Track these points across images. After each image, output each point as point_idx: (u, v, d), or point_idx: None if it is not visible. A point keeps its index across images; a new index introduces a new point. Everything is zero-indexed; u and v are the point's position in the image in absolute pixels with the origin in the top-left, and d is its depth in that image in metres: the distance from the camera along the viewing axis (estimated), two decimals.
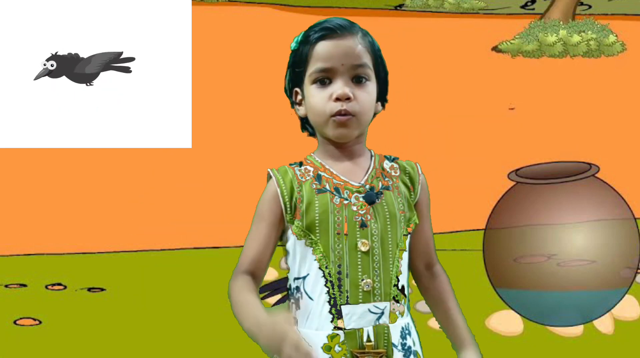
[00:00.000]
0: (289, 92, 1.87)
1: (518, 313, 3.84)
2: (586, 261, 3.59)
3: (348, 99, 1.75)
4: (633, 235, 3.66)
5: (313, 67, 1.78)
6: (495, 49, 7.64)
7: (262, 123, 6.20)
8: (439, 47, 7.30)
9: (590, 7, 8.62)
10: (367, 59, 1.79)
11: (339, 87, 1.76)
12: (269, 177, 1.81)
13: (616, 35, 7.59)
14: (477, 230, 3.95)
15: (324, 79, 1.78)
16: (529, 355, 3.82)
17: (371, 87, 1.80)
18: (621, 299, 3.72)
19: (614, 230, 3.65)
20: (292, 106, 1.87)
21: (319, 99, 1.78)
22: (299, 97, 1.83)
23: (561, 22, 7.81)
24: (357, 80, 1.78)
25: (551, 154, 4.21)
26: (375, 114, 1.86)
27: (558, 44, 7.51)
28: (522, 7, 8.79)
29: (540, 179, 3.71)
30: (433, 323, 3.85)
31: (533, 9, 8.70)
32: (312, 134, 1.87)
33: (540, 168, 3.78)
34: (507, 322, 3.94)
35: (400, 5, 8.82)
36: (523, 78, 7.16)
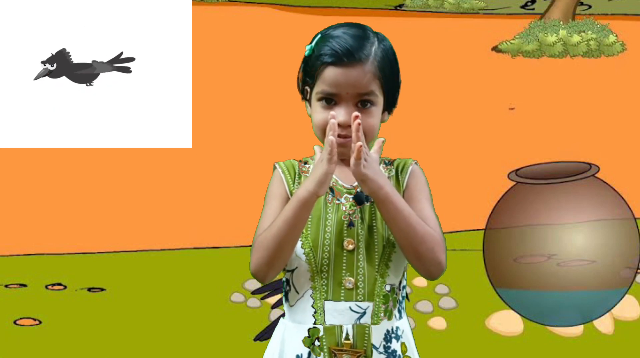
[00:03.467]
0: (301, 89, 1.89)
1: (518, 313, 3.85)
2: (586, 261, 3.60)
3: (349, 126, 1.76)
4: (633, 235, 3.66)
5: (319, 87, 1.80)
6: (495, 49, 7.64)
7: (263, 123, 6.20)
8: (439, 47, 7.30)
9: (590, 7, 8.62)
10: (374, 86, 1.79)
11: (341, 114, 1.77)
12: (274, 168, 1.86)
13: (616, 35, 7.59)
14: (477, 230, 3.95)
15: (329, 99, 1.80)
16: (529, 355, 3.82)
17: (375, 111, 1.81)
18: (621, 299, 3.73)
19: (614, 230, 3.66)
20: (304, 100, 1.89)
21: (321, 118, 1.80)
22: (309, 94, 1.86)
23: (561, 22, 7.81)
24: (362, 104, 1.79)
25: (551, 154, 4.21)
26: (381, 122, 1.87)
27: (558, 44, 7.51)
28: (522, 7, 8.79)
29: (540, 179, 3.71)
30: (433, 323, 3.88)
31: (533, 9, 8.70)
32: None
33: (540, 168, 3.78)
34: (507, 322, 3.94)
35: (400, 5, 8.82)
36: (523, 78, 7.16)
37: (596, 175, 3.69)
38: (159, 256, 5.09)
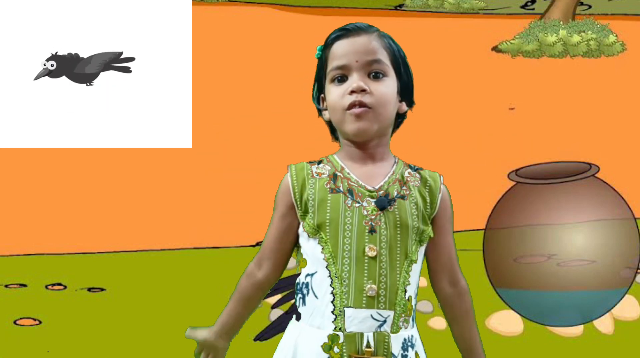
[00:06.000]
0: (317, 100, 1.90)
1: (518, 313, 3.84)
2: (586, 261, 3.59)
3: (363, 91, 1.77)
4: (633, 235, 3.66)
5: (330, 66, 1.82)
6: (495, 49, 7.63)
7: (263, 123, 6.20)
8: (439, 47, 7.29)
9: (590, 7, 8.61)
10: (382, 56, 1.81)
11: (354, 81, 1.78)
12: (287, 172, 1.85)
13: (616, 35, 7.58)
14: (477, 230, 3.95)
15: (341, 76, 1.81)
16: (529, 355, 3.82)
17: (389, 82, 1.82)
18: (621, 299, 3.72)
19: (614, 230, 3.65)
20: (320, 114, 1.89)
21: (335, 95, 1.81)
22: (325, 103, 1.86)
23: (561, 22, 7.80)
24: (374, 76, 1.80)
25: (551, 154, 4.21)
26: (400, 114, 1.87)
27: (558, 44, 7.51)
28: (522, 7, 8.78)
29: (540, 179, 3.71)
30: (433, 323, 3.87)
31: (533, 9, 8.70)
32: (338, 138, 1.90)
33: (540, 168, 3.78)
34: (507, 322, 3.94)
35: (400, 5, 8.81)
36: (523, 78, 7.16)
37: (596, 175, 3.69)
38: (159, 256, 5.08)
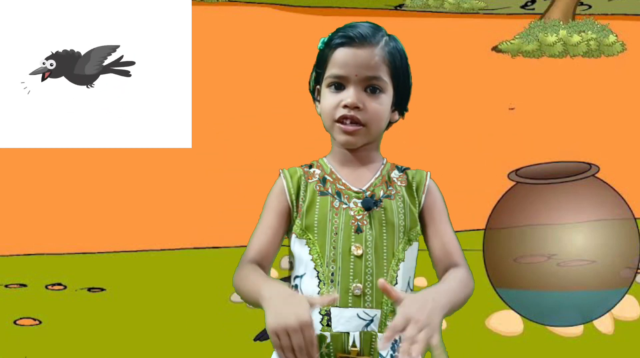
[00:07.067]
0: (312, 88, 1.90)
1: (518, 313, 3.84)
2: (586, 261, 3.59)
3: (356, 108, 1.77)
4: (633, 235, 3.66)
5: (329, 71, 1.82)
6: (495, 49, 7.64)
7: (263, 123, 6.20)
8: (439, 47, 7.29)
9: (590, 7, 8.62)
10: (382, 72, 1.80)
11: (349, 95, 1.79)
12: (279, 175, 1.85)
13: (616, 35, 7.59)
14: (477, 229, 3.95)
15: (339, 84, 1.80)
16: (529, 355, 3.82)
17: (384, 98, 1.81)
18: (621, 299, 3.72)
19: (614, 230, 3.65)
20: (314, 102, 1.90)
21: (329, 103, 1.81)
22: (319, 96, 1.86)
23: (561, 22, 7.81)
24: (371, 90, 1.80)
25: (551, 154, 4.21)
26: (391, 122, 1.87)
27: (558, 44, 7.51)
28: (522, 7, 8.79)
29: (540, 179, 3.71)
30: None
31: (533, 9, 8.70)
32: None
33: (540, 168, 3.78)
34: (507, 322, 3.94)
35: (400, 5, 8.82)
36: (523, 78, 7.16)
37: (596, 175, 3.69)
38: (159, 256, 5.08)
